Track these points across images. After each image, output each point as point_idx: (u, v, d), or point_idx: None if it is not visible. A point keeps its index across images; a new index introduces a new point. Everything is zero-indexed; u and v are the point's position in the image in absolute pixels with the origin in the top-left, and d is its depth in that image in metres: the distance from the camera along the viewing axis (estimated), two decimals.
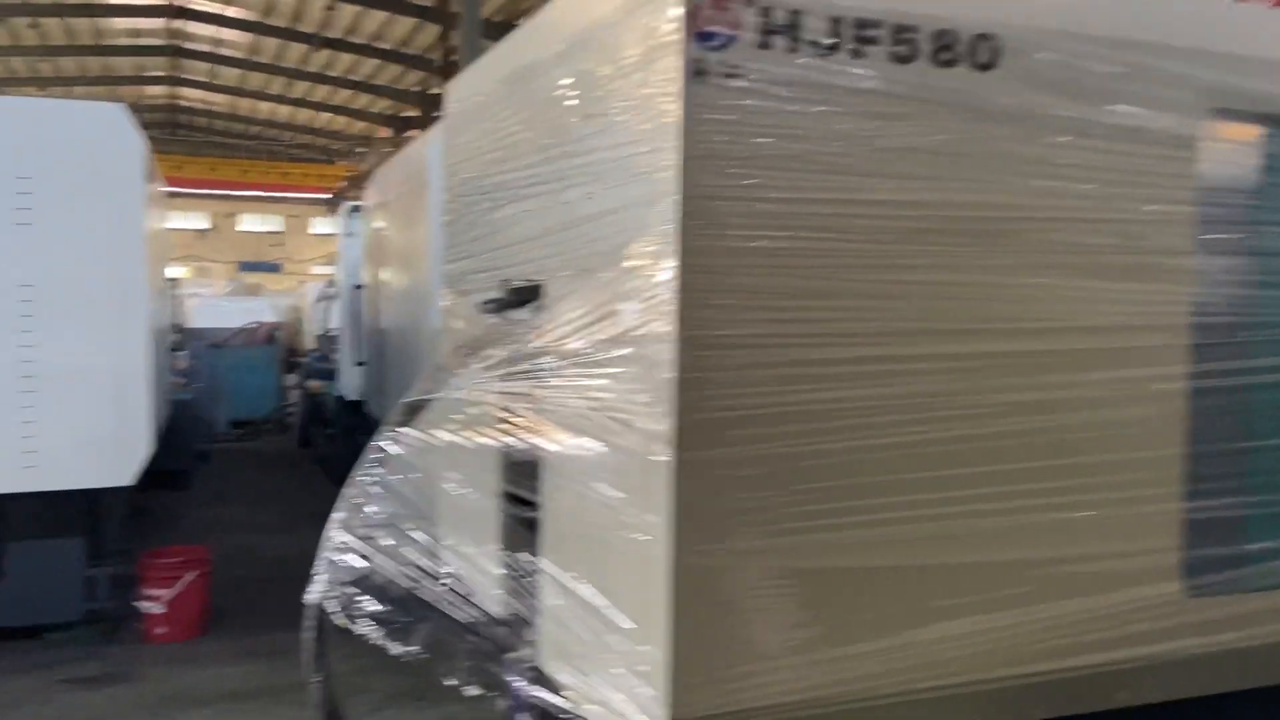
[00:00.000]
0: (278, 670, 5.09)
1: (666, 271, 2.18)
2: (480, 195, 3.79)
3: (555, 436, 2.74)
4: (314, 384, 11.35)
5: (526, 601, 3.05)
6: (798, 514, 2.29)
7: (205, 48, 27.37)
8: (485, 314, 3.37)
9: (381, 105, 29.62)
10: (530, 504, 3.02)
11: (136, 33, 26.12)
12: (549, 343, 2.78)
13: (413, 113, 28.03)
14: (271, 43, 25.81)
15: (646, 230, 2.26)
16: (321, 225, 40.86)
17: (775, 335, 2.27)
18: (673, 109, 2.17)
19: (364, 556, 3.11)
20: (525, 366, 2.88)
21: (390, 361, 7.46)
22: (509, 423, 3.05)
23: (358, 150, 33.46)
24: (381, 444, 3.20)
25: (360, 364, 8.88)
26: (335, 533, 3.12)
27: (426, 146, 6.08)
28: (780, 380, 2.27)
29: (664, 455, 2.19)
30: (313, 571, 3.09)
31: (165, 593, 5.46)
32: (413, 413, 3.26)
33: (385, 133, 30.79)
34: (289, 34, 24.30)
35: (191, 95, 31.66)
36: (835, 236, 2.30)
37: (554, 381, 2.73)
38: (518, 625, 3.07)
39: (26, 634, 5.36)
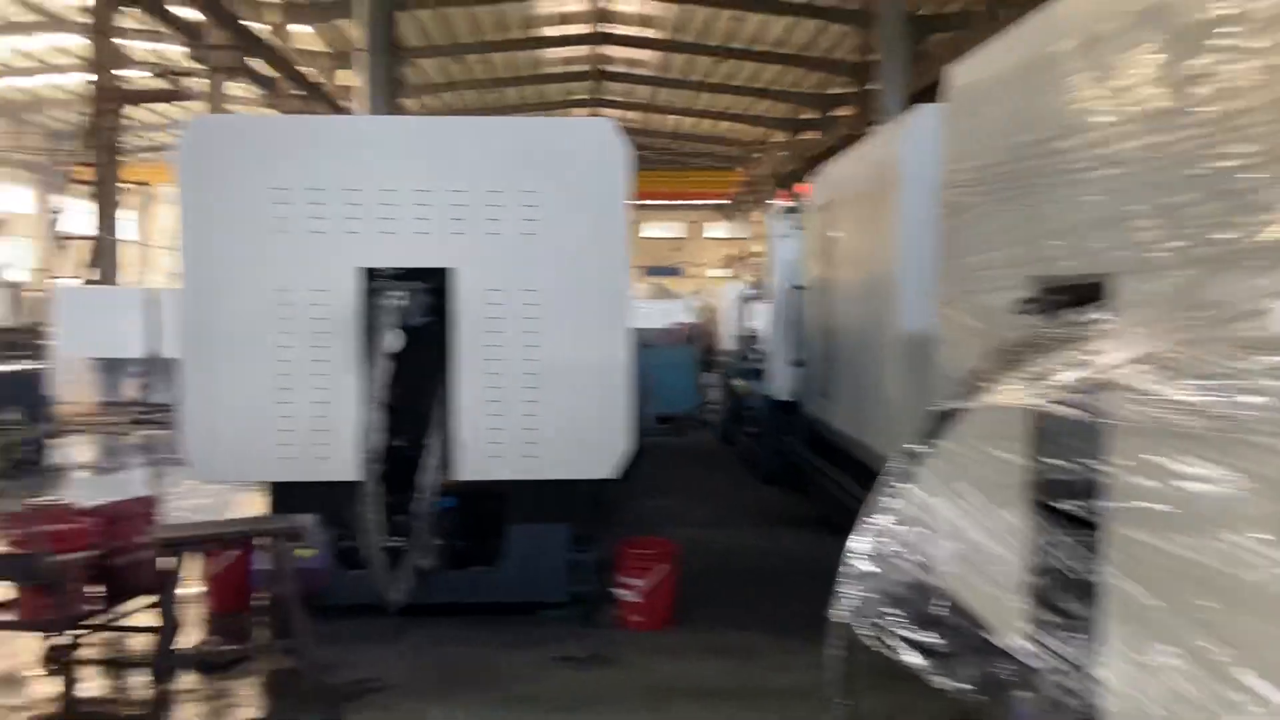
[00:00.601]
0: (749, 671, 5.11)
1: None
2: (999, 185, 3.45)
3: (1150, 457, 2.33)
4: (740, 383, 11.60)
5: (1078, 645, 2.68)
6: None
7: (623, 69, 29.54)
8: (1022, 316, 3.04)
9: (779, 110, 30.05)
10: (1088, 526, 2.65)
11: (566, 60, 28.86)
12: (1139, 349, 2.38)
13: (810, 114, 28.15)
14: (679, 59, 27.21)
15: None
16: (716, 230, 42.55)
17: None
18: None
19: (892, 575, 2.92)
20: (1100, 376, 2.50)
21: (840, 362, 7.30)
22: (1070, 435, 2.69)
23: (754, 155, 34.22)
24: (909, 456, 3.00)
25: (798, 364, 8.87)
26: (862, 546, 2.96)
27: (897, 141, 5.81)
28: None
29: None
30: (838, 588, 2.95)
31: (641, 582, 5.73)
32: (943, 423, 3.02)
33: (779, 136, 31.17)
34: (696, 48, 25.44)
35: (610, 114, 34.33)
36: None
37: (1149, 392, 2.33)
38: (1065, 671, 2.71)
39: (523, 610, 5.87)
